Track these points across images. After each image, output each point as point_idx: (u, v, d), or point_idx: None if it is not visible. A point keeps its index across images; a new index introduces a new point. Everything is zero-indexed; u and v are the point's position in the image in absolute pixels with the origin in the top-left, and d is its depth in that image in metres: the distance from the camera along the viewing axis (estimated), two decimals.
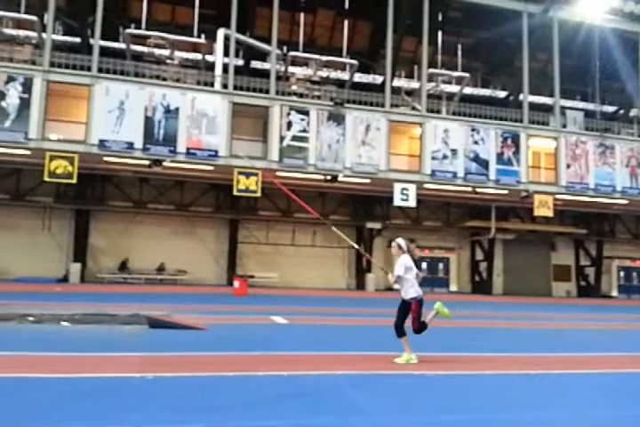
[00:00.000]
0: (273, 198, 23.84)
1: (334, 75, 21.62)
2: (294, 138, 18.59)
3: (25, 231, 21.74)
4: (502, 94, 25.91)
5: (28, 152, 16.94)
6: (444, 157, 20.24)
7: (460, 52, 24.59)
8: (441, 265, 26.74)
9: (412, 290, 5.86)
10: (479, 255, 27.53)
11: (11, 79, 16.48)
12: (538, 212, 21.31)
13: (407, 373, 5.39)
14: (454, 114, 21.40)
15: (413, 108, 21.48)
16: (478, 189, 21.26)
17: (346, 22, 23.17)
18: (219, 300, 15.53)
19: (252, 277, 21.98)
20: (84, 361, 5.58)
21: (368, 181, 19.99)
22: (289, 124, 18.55)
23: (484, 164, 20.69)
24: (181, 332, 8.01)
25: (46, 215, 22.29)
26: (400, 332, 5.88)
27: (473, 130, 20.72)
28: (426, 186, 20.40)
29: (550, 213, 21.40)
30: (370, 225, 24.56)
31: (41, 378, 4.69)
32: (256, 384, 4.74)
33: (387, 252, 26.46)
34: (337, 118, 19.07)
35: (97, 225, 22.98)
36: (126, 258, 22.57)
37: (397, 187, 19.43)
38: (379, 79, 23.69)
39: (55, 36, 18.07)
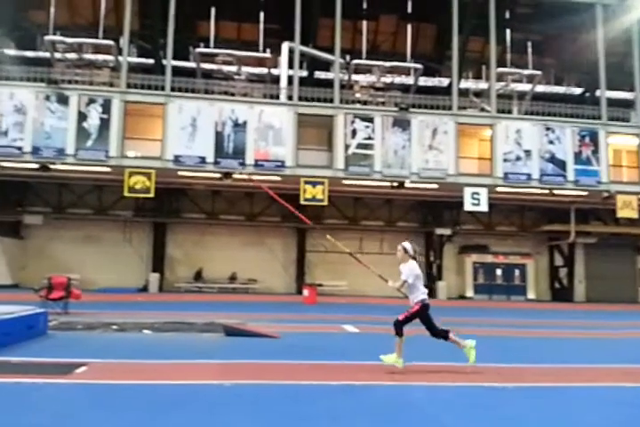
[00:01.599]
0: (339, 206, 23.89)
1: (398, 80, 21.44)
2: (359, 145, 18.56)
3: (108, 244, 23.06)
4: (577, 91, 24.59)
5: (108, 169, 17.99)
6: (518, 158, 19.44)
7: (530, 50, 23.64)
8: (517, 272, 25.55)
9: (421, 296, 5.81)
10: (558, 261, 26.10)
11: (91, 101, 17.62)
12: (621, 213, 19.95)
13: (489, 385, 5.15)
14: (527, 113, 20.54)
15: (482, 110, 20.84)
16: (555, 191, 20.22)
17: (409, 26, 22.96)
18: (289, 308, 15.66)
19: (320, 285, 22.04)
20: (165, 368, 5.77)
21: (436, 186, 19.56)
22: (353, 132, 18.56)
23: (561, 164, 19.66)
24: (256, 340, 8.12)
25: (127, 228, 23.56)
26: (441, 334, 5.78)
27: (547, 129, 19.77)
28: (498, 189, 19.66)
29: (635, 215, 19.98)
30: (439, 231, 23.98)
31: (127, 385, 4.90)
32: (331, 394, 4.69)
33: (458, 259, 25.74)
34: (402, 124, 18.85)
35: (173, 236, 23.99)
36: (200, 268, 23.36)
37: (468, 191, 18.87)
38: (445, 82, 23.24)
39: (130, 59, 19.16)
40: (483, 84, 22.30)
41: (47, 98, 17.35)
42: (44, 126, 17.22)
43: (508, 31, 22.65)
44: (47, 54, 19.69)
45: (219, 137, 17.98)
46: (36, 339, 7.40)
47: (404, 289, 5.94)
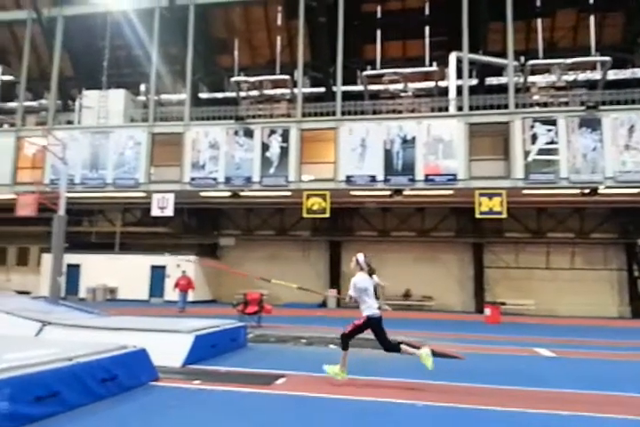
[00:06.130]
0: (521, 218, 22.25)
1: (582, 76, 19.40)
2: (541, 151, 17.11)
3: (289, 262, 24.69)
4: None
5: (288, 193, 19.36)
6: None
7: None
8: None
9: (367, 310, 5.77)
10: None
11: (272, 132, 19.26)
12: None
13: None
14: None
15: None
16: None
17: (592, 18, 20.76)
18: (470, 328, 14.91)
19: (503, 304, 20.61)
20: (353, 384, 5.84)
21: (637, 191, 17.07)
22: (533, 138, 17.20)
23: None
24: (439, 360, 7.83)
25: (305, 247, 25.00)
26: (393, 349, 5.72)
27: None
28: None
29: None
30: None
31: (323, 398, 5.06)
32: (529, 423, 4.25)
33: None
34: (591, 124, 16.92)
35: (347, 254, 24.68)
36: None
37: None
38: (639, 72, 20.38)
39: (304, 90, 20.50)
40: None
41: (236, 133, 19.44)
42: (234, 158, 19.27)
43: None
44: (233, 94, 22.14)
45: (388, 155, 18.18)
46: (238, 351, 8.12)
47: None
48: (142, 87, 22.87)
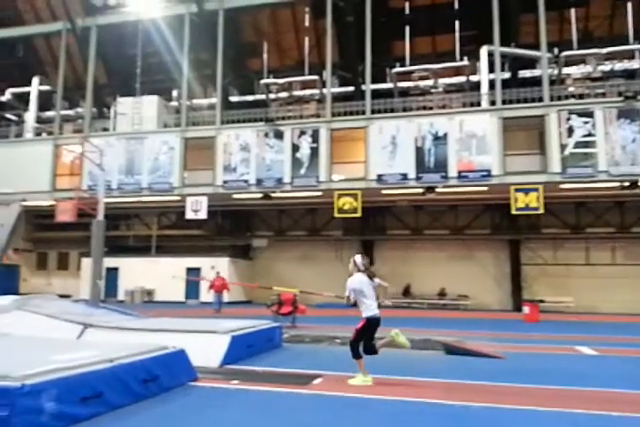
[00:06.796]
0: (558, 214, 21.69)
1: (619, 66, 18.76)
2: (578, 144, 16.62)
3: (321, 262, 24.68)
4: None
5: (319, 193, 19.37)
6: None
7: None
8: None
9: (365, 311, 5.79)
10: None
11: (302, 133, 19.30)
12: None
13: None
14: None
15: None
16: None
17: (629, 4, 20.05)
18: (508, 326, 14.61)
19: (541, 301, 20.12)
20: (394, 384, 5.79)
21: None
22: (570, 130, 16.73)
23: None
24: (479, 360, 7.71)
25: (337, 247, 24.95)
26: (370, 351, 5.71)
27: None
28: None
29: None
30: None
31: (361, 398, 5.03)
32: (576, 424, 4.12)
33: None
34: (630, 114, 16.33)
35: (380, 253, 24.59)
36: (408, 284, 23.42)
37: None
38: None
39: (333, 89, 20.48)
40: None
41: (266, 135, 19.57)
42: (264, 160, 19.42)
43: None
44: (263, 96, 22.33)
45: (419, 152, 17.99)
46: (274, 351, 8.17)
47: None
48: (174, 93, 23.32)
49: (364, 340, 5.81)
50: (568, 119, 16.76)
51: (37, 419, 3.81)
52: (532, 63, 19.49)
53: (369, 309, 5.80)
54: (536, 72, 19.20)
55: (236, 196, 20.14)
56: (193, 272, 23.71)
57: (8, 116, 21.73)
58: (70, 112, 24.36)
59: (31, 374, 3.93)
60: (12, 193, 21.02)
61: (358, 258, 6.13)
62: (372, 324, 5.77)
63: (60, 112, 22.73)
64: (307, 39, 22.91)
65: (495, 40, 17.93)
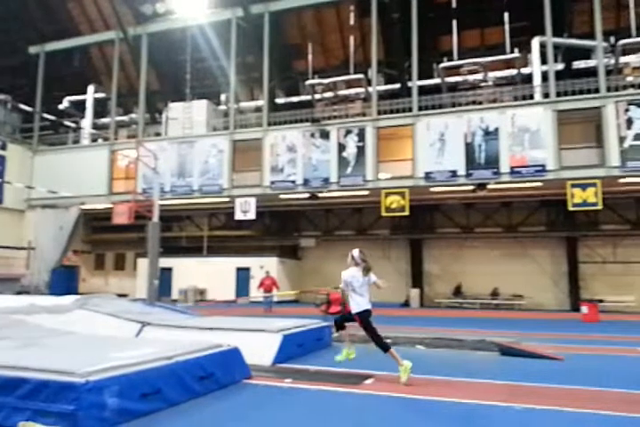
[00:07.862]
0: (618, 209, 20.68)
1: None
2: (638, 136, 15.79)
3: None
4: None
5: (366, 192, 19.26)
6: None
7: None
8: None
9: (354, 307, 5.86)
10: None
11: (348, 132, 19.27)
12: None
13: None
14: None
15: None
16: None
17: None
18: (565, 327, 14.06)
19: (601, 301, 19.25)
20: (447, 385, 5.69)
21: None
22: (629, 122, 15.91)
23: None
24: (536, 361, 7.45)
25: (385, 246, 24.74)
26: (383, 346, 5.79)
27: None
28: None
29: None
30: None
31: (413, 399, 4.97)
32: None
33: None
34: None
35: (429, 252, 24.21)
36: (459, 283, 22.94)
37: None
38: None
39: (379, 87, 20.34)
40: None
41: (312, 135, 19.66)
42: (311, 160, 19.51)
43: None
44: (309, 97, 22.44)
45: (469, 148, 17.59)
46: (324, 350, 8.19)
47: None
48: (222, 97, 23.80)
49: (344, 319, 6.33)
50: (627, 110, 15.95)
51: (101, 414, 3.97)
52: (586, 53, 18.67)
53: (358, 305, 5.96)
54: (591, 62, 18.39)
55: (283, 196, 20.34)
56: (243, 272, 24.15)
57: (66, 123, 22.76)
58: (124, 118, 25.31)
59: (94, 371, 4.10)
60: (71, 197, 22.03)
61: (356, 252, 6.27)
62: (365, 316, 5.91)
63: (114, 118, 23.65)
64: (351, 38, 22.81)
65: (547, 31, 17.28)
